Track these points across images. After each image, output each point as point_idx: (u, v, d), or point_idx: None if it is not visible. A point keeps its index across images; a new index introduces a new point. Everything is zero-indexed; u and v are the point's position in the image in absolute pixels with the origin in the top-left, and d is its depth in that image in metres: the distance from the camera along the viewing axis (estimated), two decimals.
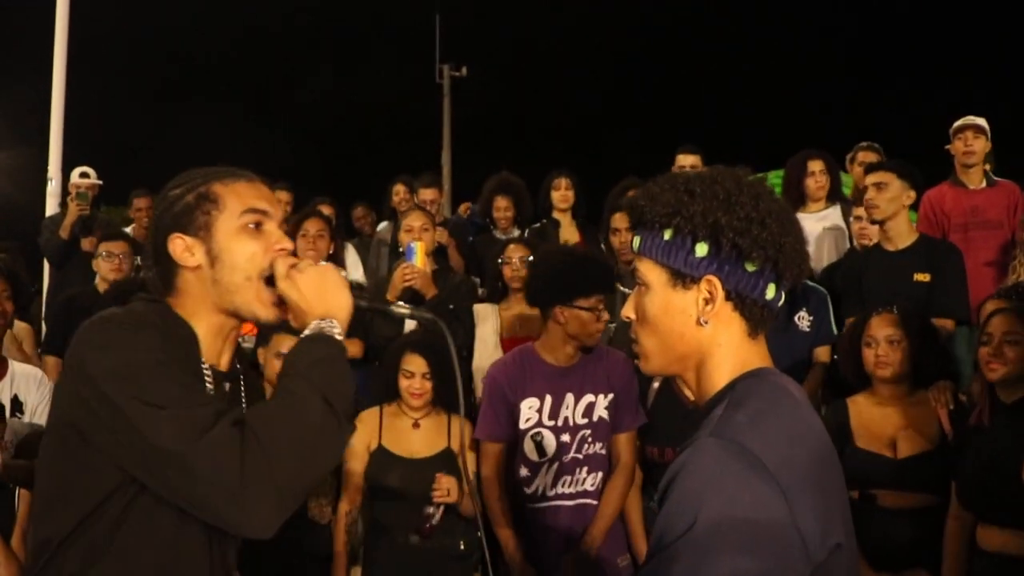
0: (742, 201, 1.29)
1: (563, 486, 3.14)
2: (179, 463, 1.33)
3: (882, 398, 3.17)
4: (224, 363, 1.63)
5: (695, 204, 1.30)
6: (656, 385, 3.24)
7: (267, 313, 1.56)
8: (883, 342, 3.12)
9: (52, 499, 1.49)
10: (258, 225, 1.57)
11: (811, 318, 3.90)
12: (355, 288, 1.59)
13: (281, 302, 1.56)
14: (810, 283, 4.06)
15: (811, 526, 1.18)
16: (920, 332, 3.18)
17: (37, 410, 3.20)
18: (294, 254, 1.61)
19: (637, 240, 1.38)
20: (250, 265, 1.55)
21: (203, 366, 1.55)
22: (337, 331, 1.50)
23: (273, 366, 3.27)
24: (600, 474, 3.17)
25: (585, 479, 3.15)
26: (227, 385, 1.63)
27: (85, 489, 1.43)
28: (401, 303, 1.64)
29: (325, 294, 1.52)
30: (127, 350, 1.41)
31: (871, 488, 3.00)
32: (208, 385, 1.54)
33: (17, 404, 3.16)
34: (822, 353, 3.96)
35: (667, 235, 1.32)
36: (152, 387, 1.37)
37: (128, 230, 6.48)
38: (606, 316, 3.14)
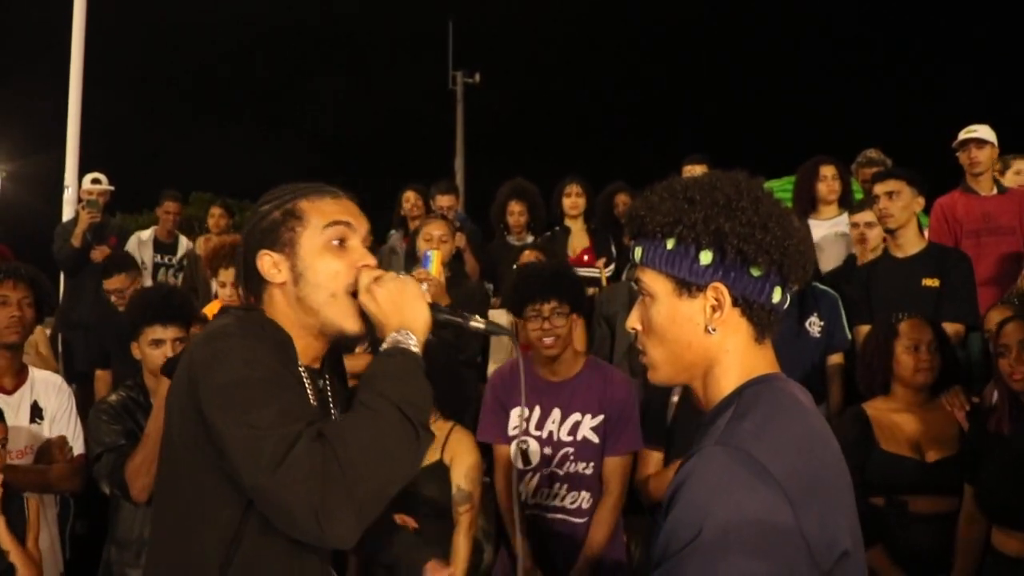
0: (743, 206, 1.28)
1: (542, 497, 3.12)
2: (260, 496, 1.37)
3: (902, 403, 3.15)
4: (319, 363, 1.67)
5: (696, 212, 1.29)
6: (675, 399, 3.17)
7: (353, 325, 1.59)
8: (924, 347, 3.13)
9: (183, 520, 1.51)
10: (342, 241, 1.60)
11: (822, 323, 3.86)
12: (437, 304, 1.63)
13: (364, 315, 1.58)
14: (820, 287, 4.02)
15: (817, 534, 1.18)
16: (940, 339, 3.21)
17: (56, 417, 3.21)
18: None
19: (639, 251, 1.37)
20: (334, 283, 1.58)
21: (300, 368, 1.59)
22: (413, 343, 1.52)
23: (150, 356, 2.93)
24: (584, 494, 3.11)
25: (565, 496, 3.10)
26: (321, 382, 1.67)
27: (221, 508, 1.47)
28: (478, 316, 1.66)
29: (403, 306, 1.54)
30: (235, 364, 1.43)
31: (900, 493, 2.97)
32: (308, 387, 1.58)
33: (37, 410, 3.18)
34: (837, 359, 3.91)
35: (670, 244, 1.31)
36: (255, 407, 1.39)
37: (150, 231, 6.55)
38: (557, 323, 3.05)
